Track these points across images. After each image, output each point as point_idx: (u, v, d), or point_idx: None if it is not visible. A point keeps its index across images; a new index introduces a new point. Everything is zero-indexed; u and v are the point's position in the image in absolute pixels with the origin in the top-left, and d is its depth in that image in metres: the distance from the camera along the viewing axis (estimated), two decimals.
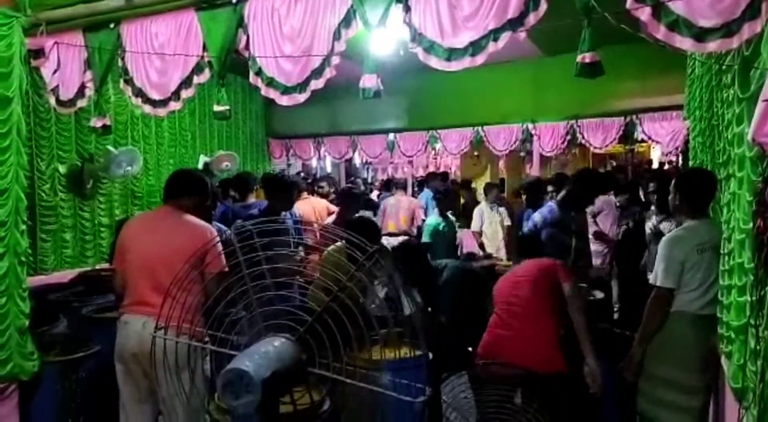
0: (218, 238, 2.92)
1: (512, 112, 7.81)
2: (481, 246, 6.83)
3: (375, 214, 7.18)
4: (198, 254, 2.30)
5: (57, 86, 3.48)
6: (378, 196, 9.61)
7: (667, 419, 2.93)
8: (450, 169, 13.28)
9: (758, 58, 1.81)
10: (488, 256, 6.16)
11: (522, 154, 10.39)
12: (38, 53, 3.39)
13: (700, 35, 1.96)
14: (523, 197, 6.16)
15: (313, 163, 11.77)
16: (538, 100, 7.57)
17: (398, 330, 2.42)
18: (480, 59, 2.46)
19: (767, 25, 1.78)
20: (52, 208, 5.54)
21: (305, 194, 6.01)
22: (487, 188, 7.55)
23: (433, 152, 10.96)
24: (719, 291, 2.61)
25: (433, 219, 5.95)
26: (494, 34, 2.39)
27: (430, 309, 3.52)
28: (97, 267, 5.73)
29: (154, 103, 3.27)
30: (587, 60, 2.17)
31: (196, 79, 3.12)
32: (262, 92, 3.00)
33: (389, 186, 9.25)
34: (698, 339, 2.87)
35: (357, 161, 13.21)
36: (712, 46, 1.97)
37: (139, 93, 3.29)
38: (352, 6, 2.68)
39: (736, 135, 2.20)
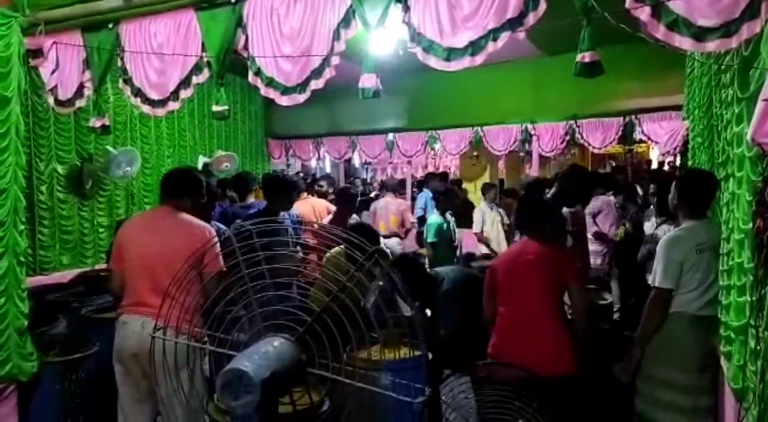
0: (217, 238, 2.91)
1: (511, 112, 7.81)
2: (488, 245, 6.83)
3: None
4: (197, 254, 2.30)
5: (55, 86, 3.48)
6: (377, 196, 9.62)
7: (665, 419, 2.93)
8: (449, 169, 13.28)
9: (757, 57, 1.81)
10: (487, 257, 6.17)
11: (521, 154, 10.39)
12: (37, 53, 3.39)
13: (700, 35, 1.96)
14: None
15: (313, 163, 11.78)
16: (537, 100, 7.58)
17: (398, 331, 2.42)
18: (479, 59, 2.46)
19: (767, 24, 1.77)
20: (51, 209, 5.54)
21: (305, 194, 6.01)
22: (486, 188, 7.55)
23: (432, 152, 10.96)
24: (719, 292, 2.60)
25: (435, 218, 5.95)
26: (493, 33, 2.39)
27: (429, 313, 3.50)
28: (97, 267, 5.72)
29: (153, 103, 3.26)
30: (587, 59, 2.16)
31: (194, 79, 3.12)
32: (262, 92, 2.99)
33: (403, 186, 9.25)
34: (697, 340, 2.86)
35: (356, 161, 13.23)
36: (712, 45, 1.96)
37: (138, 93, 3.29)
38: (352, 6, 2.67)
39: (735, 135, 2.19)
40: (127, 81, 3.31)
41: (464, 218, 7.17)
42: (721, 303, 2.47)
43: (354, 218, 5.59)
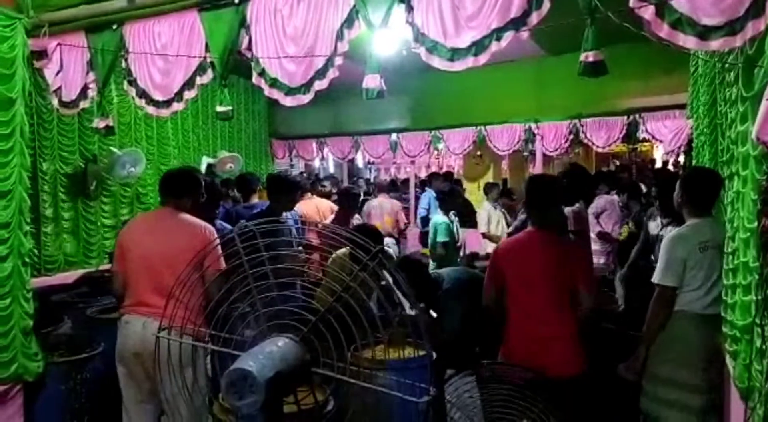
0: (218, 240, 2.91)
1: (515, 112, 7.81)
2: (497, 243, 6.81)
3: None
4: (200, 255, 2.30)
5: (60, 87, 3.49)
6: (368, 197, 9.59)
7: (670, 418, 2.92)
8: (453, 169, 13.26)
9: (762, 56, 1.81)
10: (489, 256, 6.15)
11: (525, 153, 10.36)
12: (41, 54, 3.39)
13: (704, 33, 1.95)
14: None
15: (316, 163, 11.79)
16: (541, 99, 7.58)
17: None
18: (483, 59, 2.45)
19: None
20: (55, 210, 5.55)
21: (308, 195, 6.01)
22: (488, 188, 7.54)
23: (435, 152, 10.96)
24: (724, 291, 2.59)
25: (441, 218, 5.94)
26: (497, 33, 2.38)
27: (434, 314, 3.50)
28: (101, 268, 5.74)
29: (158, 104, 3.27)
30: (590, 59, 2.16)
31: (198, 80, 3.12)
32: (266, 93, 2.99)
33: (394, 186, 9.23)
34: (702, 339, 2.85)
35: (360, 161, 13.22)
36: (716, 44, 1.95)
37: (142, 94, 3.29)
38: (355, 6, 2.67)
39: (740, 133, 2.19)
40: (132, 82, 3.32)
41: (465, 217, 7.17)
42: (727, 302, 2.47)
43: (357, 218, 5.59)
